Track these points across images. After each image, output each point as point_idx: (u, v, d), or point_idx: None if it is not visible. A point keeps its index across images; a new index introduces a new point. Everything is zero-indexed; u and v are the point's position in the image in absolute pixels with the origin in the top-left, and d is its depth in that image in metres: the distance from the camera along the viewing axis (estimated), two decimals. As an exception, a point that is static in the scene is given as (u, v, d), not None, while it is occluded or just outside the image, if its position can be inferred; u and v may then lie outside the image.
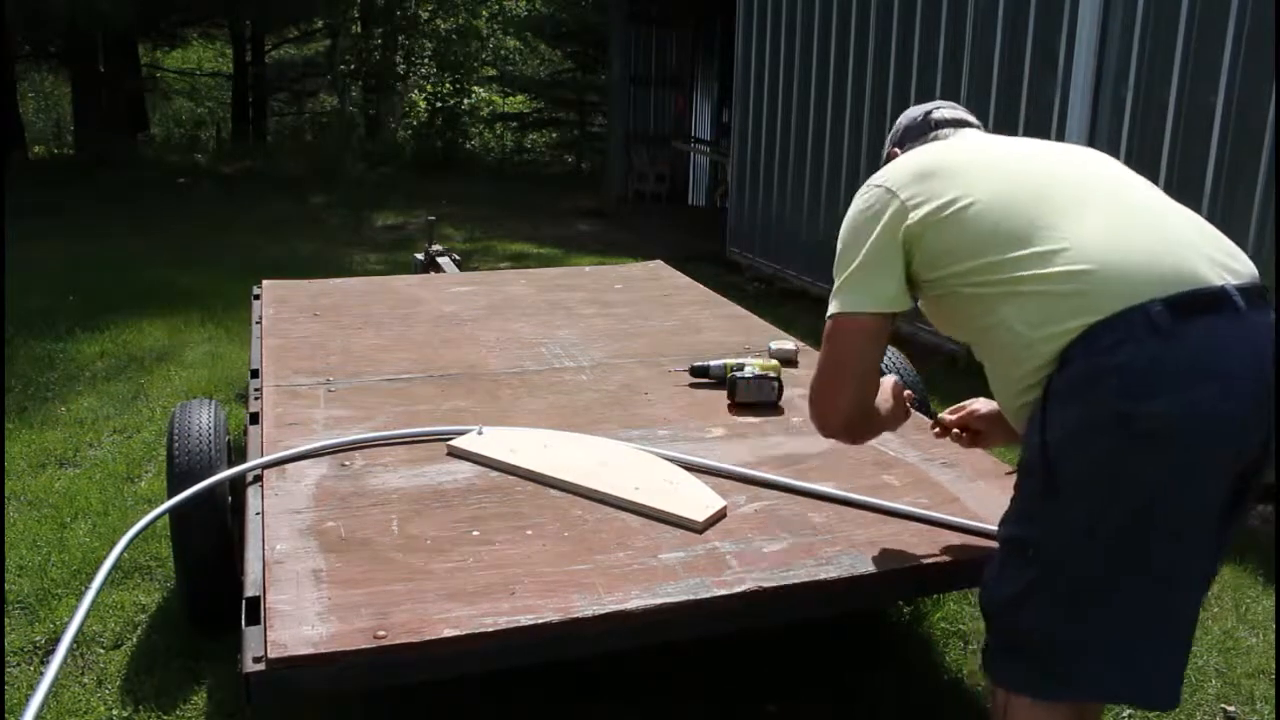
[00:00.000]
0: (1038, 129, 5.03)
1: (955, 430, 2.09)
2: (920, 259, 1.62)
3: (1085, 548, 1.45)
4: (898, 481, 2.25)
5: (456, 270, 5.20)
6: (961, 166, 1.64)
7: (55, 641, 2.66)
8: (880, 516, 2.06)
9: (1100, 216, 1.50)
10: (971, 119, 1.91)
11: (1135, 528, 1.43)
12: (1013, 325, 1.50)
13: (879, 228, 1.64)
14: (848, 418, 1.76)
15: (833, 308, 1.69)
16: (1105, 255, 1.45)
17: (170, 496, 2.33)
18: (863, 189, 1.73)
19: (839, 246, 1.72)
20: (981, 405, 2.05)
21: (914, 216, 1.60)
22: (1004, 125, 5.28)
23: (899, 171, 1.69)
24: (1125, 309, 1.40)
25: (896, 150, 1.89)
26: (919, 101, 6.65)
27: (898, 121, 1.98)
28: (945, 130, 1.87)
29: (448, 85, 16.90)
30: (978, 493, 2.19)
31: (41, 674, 1.63)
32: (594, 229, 11.00)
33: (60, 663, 1.62)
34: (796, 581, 1.82)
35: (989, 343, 1.59)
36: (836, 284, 1.70)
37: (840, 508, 2.11)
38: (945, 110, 1.91)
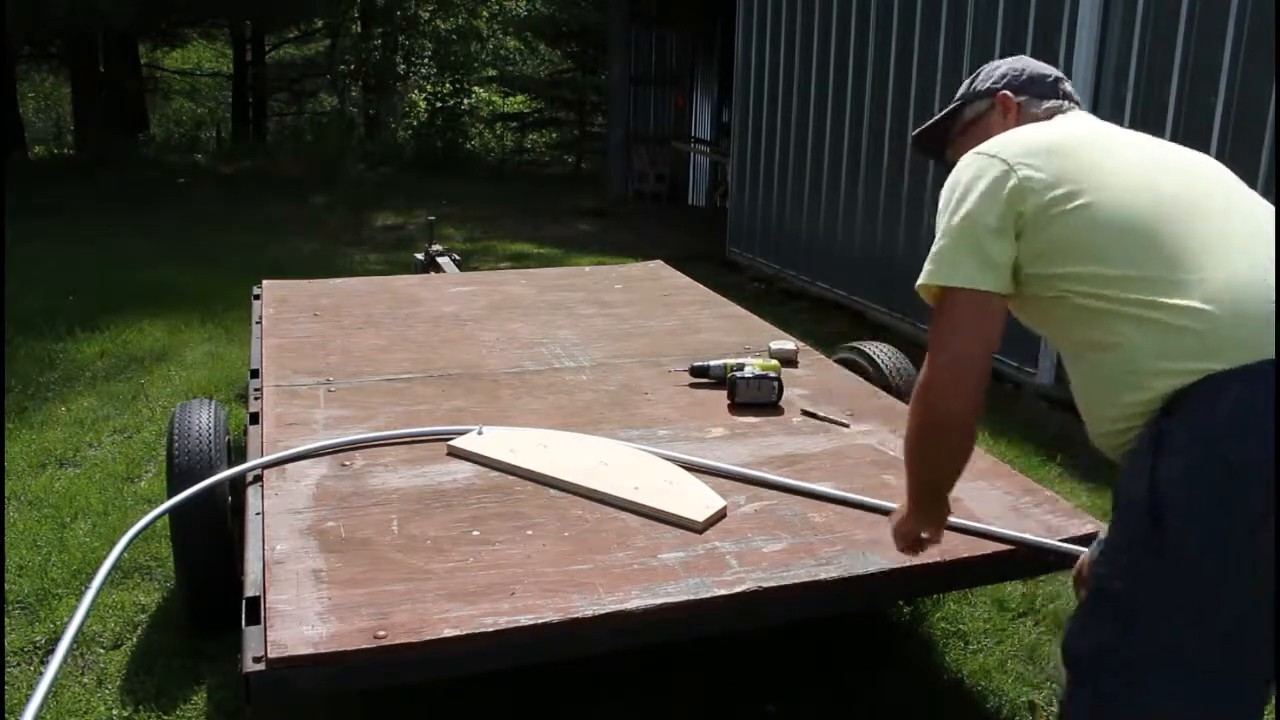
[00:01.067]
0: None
1: None
2: (1030, 247, 1.48)
3: (1189, 622, 1.33)
4: (897, 481, 2.25)
5: (456, 270, 5.20)
6: (1094, 157, 1.50)
7: (55, 641, 2.66)
8: (881, 517, 2.06)
9: (1244, 258, 1.38)
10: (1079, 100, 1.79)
11: (1241, 610, 1.31)
12: (1130, 350, 1.38)
13: (993, 203, 1.48)
14: (970, 391, 1.54)
15: (938, 277, 1.52)
16: (1240, 299, 1.33)
17: (170, 496, 2.33)
18: (973, 157, 1.56)
19: (941, 210, 1.56)
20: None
21: (1033, 200, 1.46)
22: (1004, 125, 5.27)
23: (1019, 145, 1.53)
24: (1255, 362, 1.30)
25: (1009, 95, 1.72)
26: (919, 102, 6.61)
27: (1009, 63, 1.78)
28: (1069, 106, 1.72)
29: (448, 85, 16.89)
30: (977, 493, 2.19)
31: (41, 673, 1.63)
32: (594, 229, 10.99)
33: (60, 662, 1.62)
34: (796, 581, 1.82)
35: (1095, 360, 1.45)
36: (942, 249, 1.52)
37: (841, 506, 2.11)
38: (1069, 85, 1.76)
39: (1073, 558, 1.86)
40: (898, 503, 2.00)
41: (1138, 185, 1.46)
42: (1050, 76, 1.74)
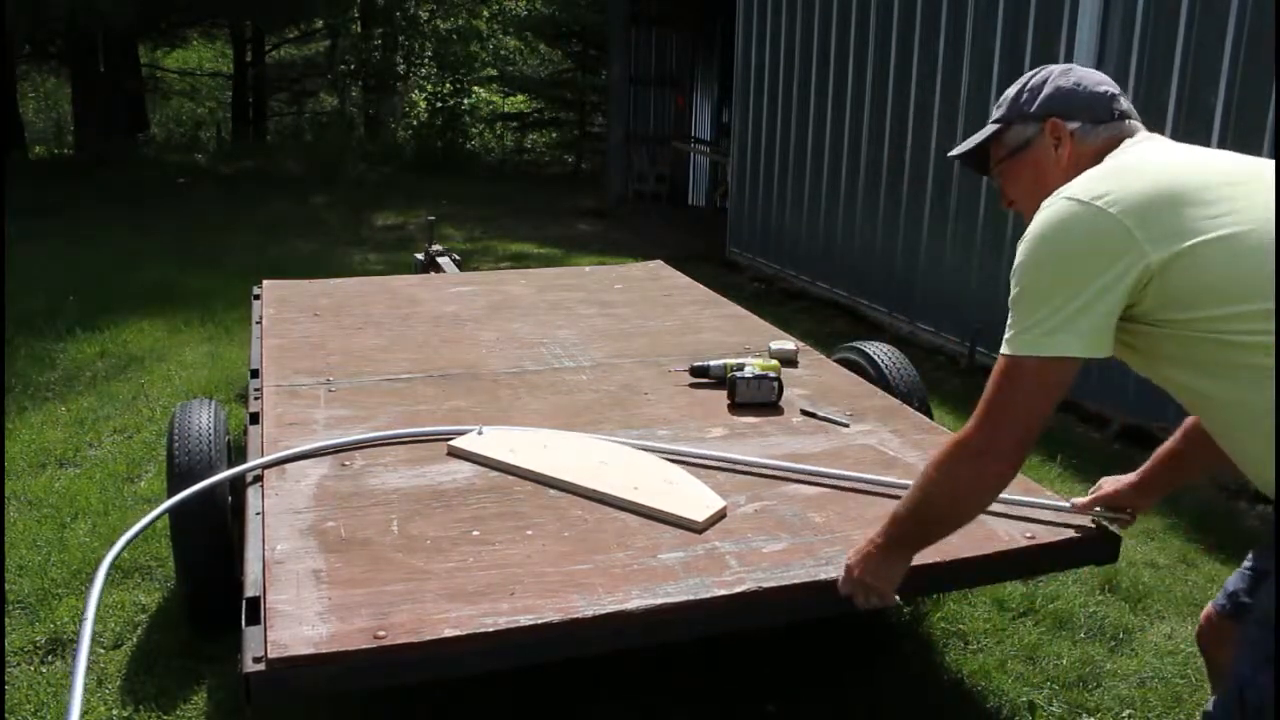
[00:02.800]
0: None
1: (1118, 509, 1.93)
2: (1158, 298, 1.37)
3: None
4: (897, 481, 2.25)
5: (456, 270, 5.20)
6: (1201, 187, 1.38)
7: (55, 641, 2.66)
8: (881, 517, 2.05)
9: None
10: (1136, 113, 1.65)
11: None
12: None
13: (1110, 267, 1.35)
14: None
15: (1032, 348, 1.40)
16: None
17: (170, 496, 2.33)
18: (1077, 207, 1.40)
19: (1038, 270, 1.42)
20: (1111, 483, 1.94)
21: (1156, 255, 1.33)
22: (1004, 125, 5.27)
23: (1125, 194, 1.38)
24: None
25: (1060, 121, 1.58)
26: (919, 102, 6.62)
27: (1056, 77, 1.62)
28: (1134, 125, 1.59)
29: (448, 85, 16.89)
30: (977, 493, 2.19)
31: (72, 674, 1.64)
32: (594, 229, 10.99)
33: (84, 668, 1.63)
34: (796, 581, 1.82)
35: (1251, 398, 1.34)
36: (1038, 319, 1.40)
37: (841, 506, 2.11)
38: (1125, 100, 1.62)
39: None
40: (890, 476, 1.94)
41: (1258, 208, 1.36)
42: (1105, 91, 1.59)
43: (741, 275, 8.10)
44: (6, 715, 2.36)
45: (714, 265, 8.21)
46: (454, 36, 17.77)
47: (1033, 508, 2.10)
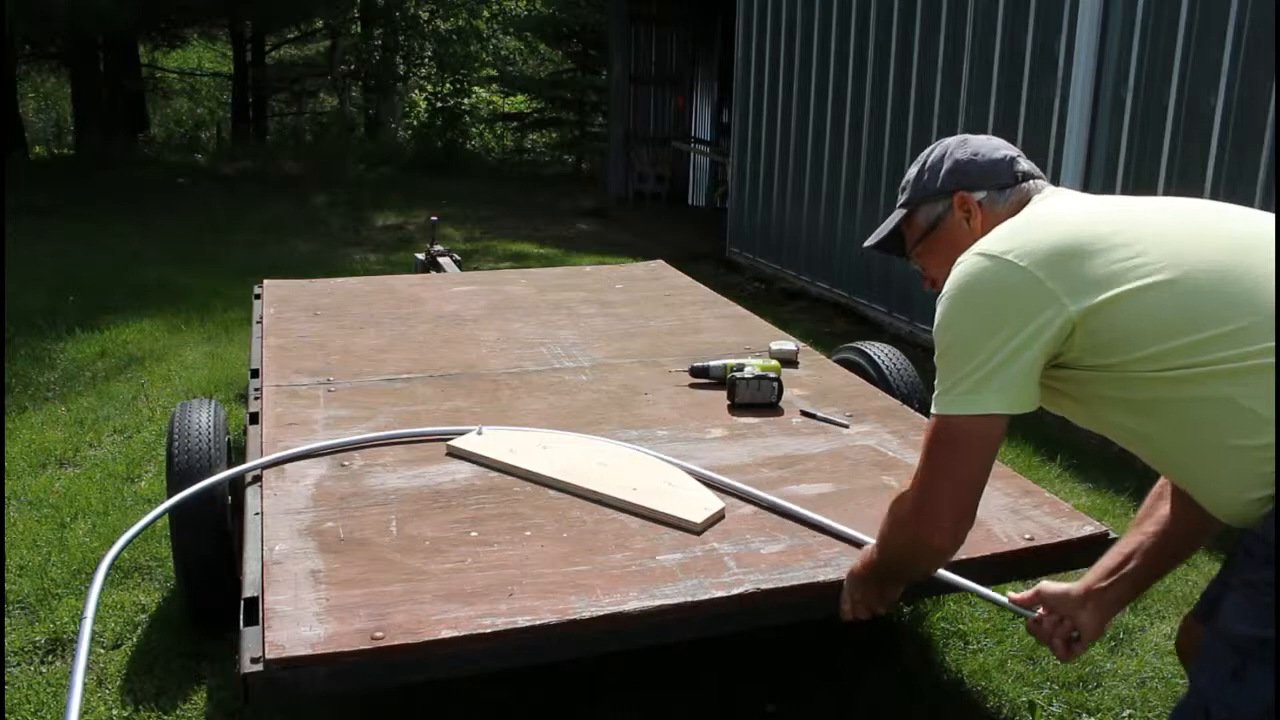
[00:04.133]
0: (1037, 129, 5.03)
1: (1059, 635, 1.70)
2: (1085, 346, 1.37)
3: None
4: (897, 482, 2.25)
5: (457, 270, 5.20)
6: (1112, 236, 1.38)
7: (55, 641, 2.66)
8: (880, 518, 2.05)
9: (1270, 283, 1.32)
10: (1039, 171, 1.66)
11: None
12: (1241, 403, 1.28)
13: (1028, 320, 1.35)
14: (962, 533, 1.48)
15: (957, 406, 1.41)
16: None
17: (170, 496, 2.33)
18: (987, 262, 1.40)
19: (957, 327, 1.42)
20: (1051, 586, 1.74)
21: (1076, 307, 1.34)
22: (1004, 126, 5.28)
23: (1035, 247, 1.39)
24: None
25: (966, 194, 1.59)
26: (918, 101, 6.61)
27: (954, 151, 1.64)
28: (1039, 184, 1.59)
29: (448, 85, 16.90)
30: (977, 493, 2.19)
31: (71, 674, 1.64)
32: (594, 229, 10.99)
33: (84, 664, 1.63)
34: (795, 583, 1.82)
35: (1199, 428, 1.34)
36: (960, 376, 1.40)
37: (840, 508, 2.11)
38: (1024, 160, 1.63)
39: (1016, 613, 1.77)
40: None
41: (1169, 248, 1.35)
42: (1003, 156, 1.60)
43: (741, 275, 8.10)
44: (6, 715, 2.36)
45: (714, 265, 8.22)
46: (454, 36, 17.78)
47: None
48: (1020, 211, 1.54)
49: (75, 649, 1.70)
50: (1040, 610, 1.71)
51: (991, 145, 1.62)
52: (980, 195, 1.58)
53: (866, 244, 1.77)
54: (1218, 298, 1.31)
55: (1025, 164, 1.61)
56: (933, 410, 1.44)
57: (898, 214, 1.69)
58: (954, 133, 5.76)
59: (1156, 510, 1.64)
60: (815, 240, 7.21)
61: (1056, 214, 1.47)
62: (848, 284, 6.83)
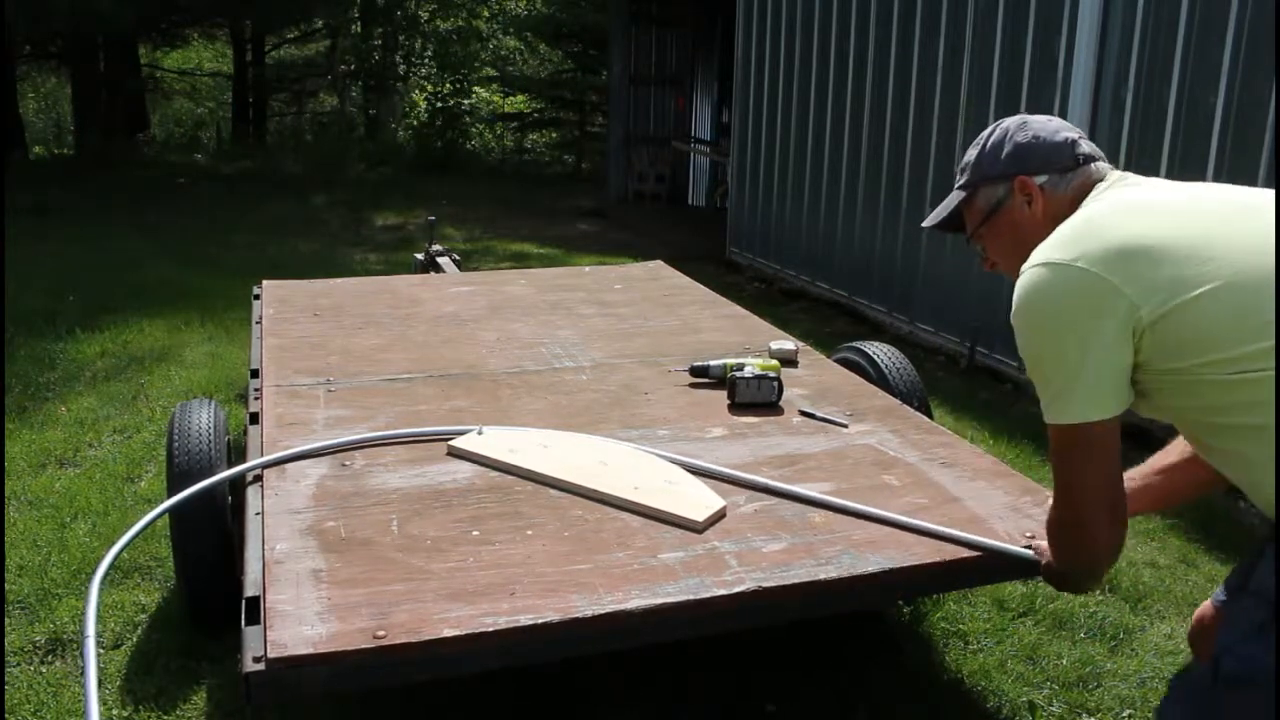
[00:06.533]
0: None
1: None
2: (1153, 350, 1.37)
3: None
4: (897, 481, 2.25)
5: (456, 270, 5.20)
6: (1175, 238, 1.37)
7: (55, 641, 2.66)
8: (879, 515, 2.06)
9: None
10: (1100, 152, 1.64)
11: None
12: None
13: (1104, 323, 1.36)
14: (1119, 520, 1.48)
15: (1062, 416, 1.42)
16: None
17: (170, 496, 2.33)
18: (1053, 272, 1.40)
19: (1037, 340, 1.44)
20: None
21: (1146, 310, 1.34)
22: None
23: (1101, 251, 1.38)
24: None
25: (1027, 179, 1.57)
26: (919, 101, 6.61)
27: (1014, 132, 1.62)
28: (1101, 168, 1.58)
29: (448, 85, 16.89)
30: (977, 492, 2.19)
31: (84, 672, 1.65)
32: (594, 229, 10.99)
33: (95, 662, 1.63)
34: (796, 581, 1.82)
35: (1258, 434, 1.34)
36: (1057, 388, 1.42)
37: (846, 504, 2.11)
38: (1085, 142, 1.60)
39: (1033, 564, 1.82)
40: (893, 510, 1.94)
41: (1236, 248, 1.35)
42: (1065, 139, 1.59)
43: (741, 275, 8.10)
44: (6, 715, 2.36)
45: (714, 265, 8.22)
46: (454, 36, 17.77)
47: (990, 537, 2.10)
48: (1084, 198, 1.53)
49: (84, 667, 1.70)
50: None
51: (1052, 128, 1.60)
52: (1042, 179, 1.57)
53: (926, 223, 1.77)
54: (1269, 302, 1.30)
55: (1086, 146, 1.59)
56: (1046, 419, 1.45)
57: (957, 195, 1.68)
58: (954, 133, 5.82)
59: (1163, 461, 1.72)
60: (815, 240, 7.21)
61: (1121, 212, 1.45)
62: (848, 284, 6.83)
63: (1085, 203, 1.52)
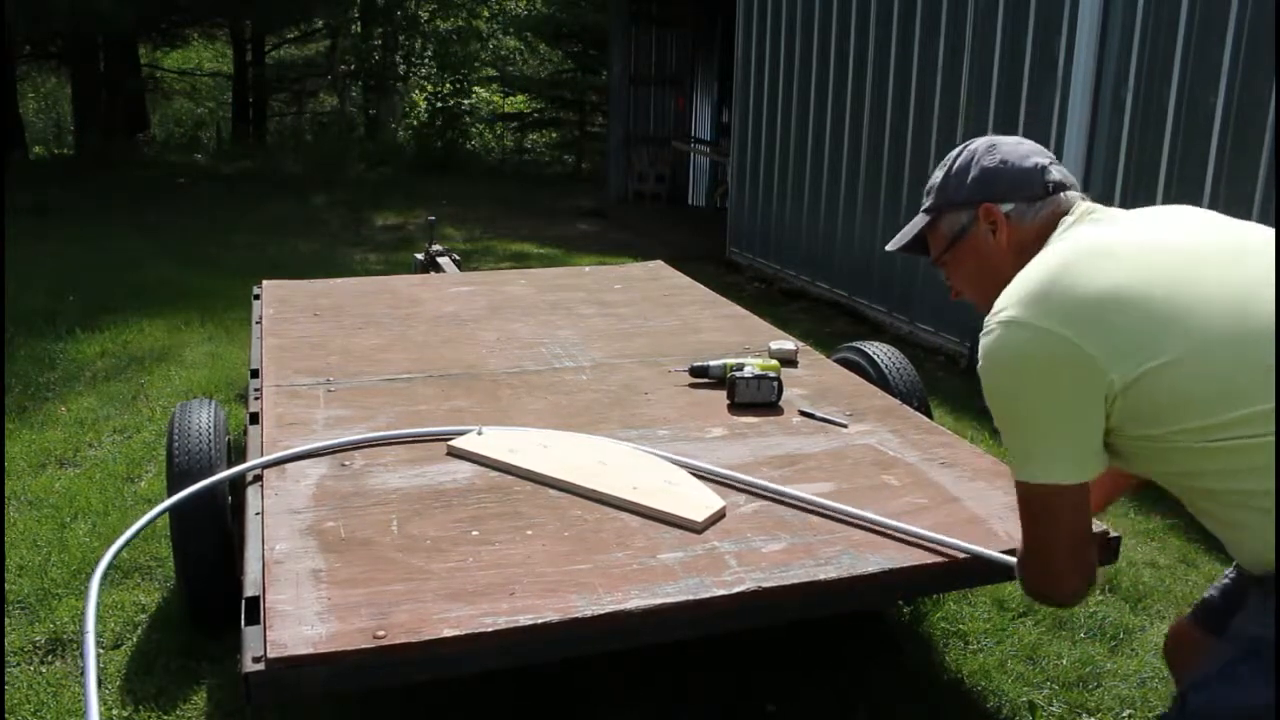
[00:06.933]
0: (1037, 129, 5.03)
1: None
2: (1125, 416, 1.32)
3: None
4: (897, 481, 2.25)
5: (456, 270, 5.20)
6: (1150, 292, 1.30)
7: (55, 641, 2.66)
8: (877, 516, 2.06)
9: None
10: (1075, 180, 1.56)
11: None
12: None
13: (1072, 388, 1.31)
14: (1086, 586, 1.46)
15: (1029, 476, 1.39)
16: None
17: (170, 496, 2.33)
18: (1019, 332, 1.34)
19: (1003, 401, 1.39)
20: None
21: (1117, 376, 1.28)
22: (1004, 126, 5.28)
23: (1068, 306, 1.32)
24: None
25: (992, 206, 1.51)
26: (918, 101, 6.60)
27: (981, 154, 1.55)
28: (1070, 197, 1.51)
29: (448, 85, 16.90)
30: (977, 492, 2.19)
31: (83, 672, 1.66)
32: (594, 229, 10.99)
33: (95, 662, 1.63)
34: (796, 582, 1.82)
35: (1239, 494, 1.32)
36: (1023, 449, 1.39)
37: (839, 507, 2.10)
38: (1057, 168, 1.53)
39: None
40: (891, 516, 1.93)
41: (1214, 306, 1.28)
42: (1034, 165, 1.52)
43: (741, 275, 8.10)
44: (6, 715, 2.36)
45: (714, 265, 8.22)
46: (454, 36, 17.77)
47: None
48: (1053, 228, 1.48)
49: (84, 667, 1.70)
50: None
51: (1021, 151, 1.54)
52: (1008, 207, 1.51)
53: (890, 246, 1.72)
54: (1269, 367, 1.25)
55: (1057, 173, 1.52)
56: (1014, 476, 1.43)
57: (921, 219, 1.63)
58: (954, 133, 5.82)
59: None
60: (815, 240, 7.21)
61: (1088, 257, 1.37)
62: (848, 284, 6.83)
63: (1051, 239, 1.47)
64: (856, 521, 2.03)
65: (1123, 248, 1.38)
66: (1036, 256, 1.43)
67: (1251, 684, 1.27)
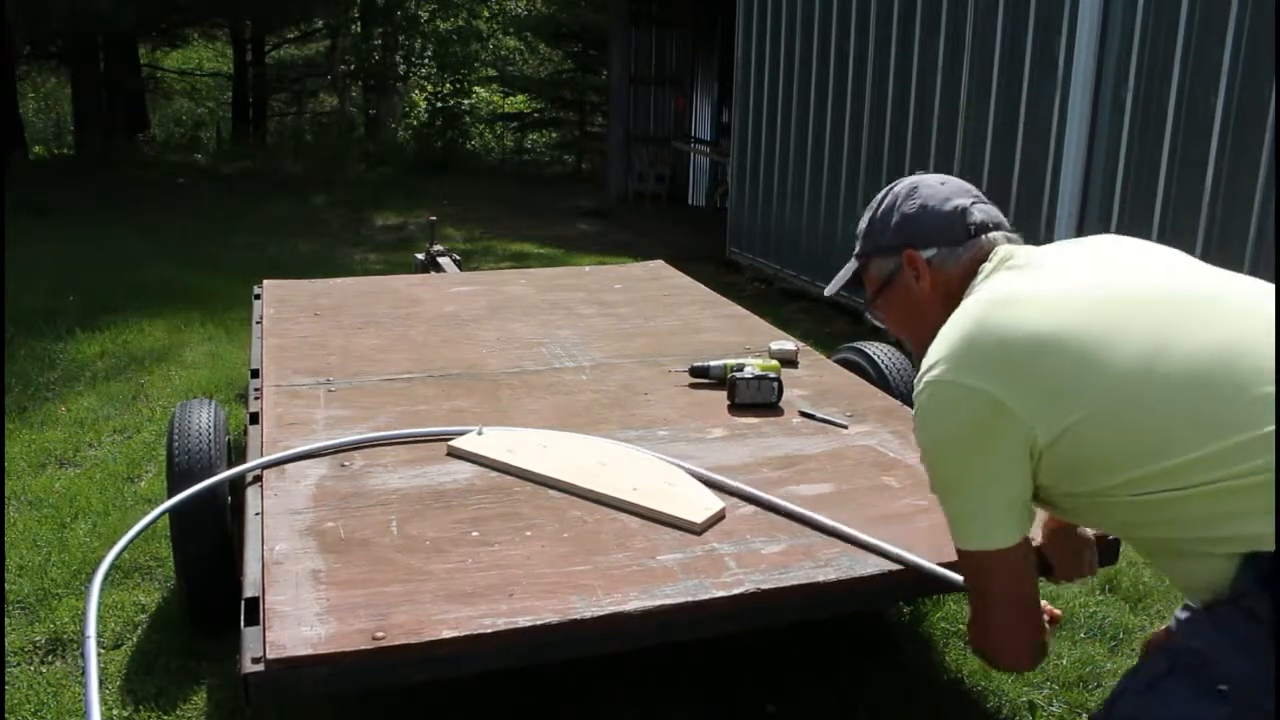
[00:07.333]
0: (1037, 129, 5.03)
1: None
2: (1055, 473, 1.33)
3: None
4: (897, 483, 2.25)
5: (457, 270, 5.20)
6: (1075, 343, 1.28)
7: (55, 641, 2.66)
8: (880, 517, 2.06)
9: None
10: (1003, 218, 1.55)
11: None
12: (1216, 520, 1.24)
13: (997, 442, 1.31)
14: (1039, 649, 1.47)
15: (974, 543, 1.39)
16: None
17: (170, 496, 2.33)
18: (948, 387, 1.34)
19: (934, 463, 1.40)
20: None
21: (1041, 432, 1.29)
22: (1004, 125, 5.28)
23: (989, 362, 1.31)
24: None
25: (914, 253, 1.51)
26: (918, 101, 6.59)
27: (900, 207, 1.54)
28: (992, 239, 1.49)
29: (448, 85, 16.90)
30: (977, 493, 2.19)
31: (84, 671, 1.66)
32: (594, 229, 10.99)
33: (95, 662, 1.63)
34: (795, 583, 1.82)
35: (1175, 542, 1.31)
36: (957, 513, 1.40)
37: (840, 508, 2.11)
38: (980, 208, 1.51)
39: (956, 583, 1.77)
40: (878, 539, 1.90)
41: (1140, 358, 1.26)
42: (955, 208, 1.50)
43: (741, 275, 8.10)
44: (6, 715, 2.36)
45: (714, 265, 8.21)
46: (454, 36, 17.77)
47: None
48: (974, 275, 1.47)
49: (85, 667, 1.70)
50: None
51: (942, 194, 1.52)
52: (930, 253, 1.50)
53: (828, 291, 1.74)
54: (1191, 418, 1.23)
55: (980, 214, 1.51)
56: (954, 543, 1.43)
57: (853, 264, 1.64)
58: (954, 133, 5.81)
59: None
60: (815, 240, 7.21)
61: (1005, 310, 1.35)
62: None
63: (971, 287, 1.46)
64: (834, 532, 2.00)
65: (1038, 297, 1.36)
66: (958, 308, 1.43)
67: (1176, 698, 1.26)
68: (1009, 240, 1.52)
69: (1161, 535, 1.32)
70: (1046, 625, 1.62)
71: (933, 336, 1.41)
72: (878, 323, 1.69)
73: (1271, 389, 1.21)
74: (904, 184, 1.58)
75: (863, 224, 1.61)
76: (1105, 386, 1.26)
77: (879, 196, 1.61)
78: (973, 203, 1.52)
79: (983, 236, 1.49)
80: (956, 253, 1.49)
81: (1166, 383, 1.24)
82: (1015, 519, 1.37)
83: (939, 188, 1.54)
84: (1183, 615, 1.55)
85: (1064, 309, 1.32)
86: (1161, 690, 1.28)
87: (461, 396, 2.80)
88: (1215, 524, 1.24)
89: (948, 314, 1.43)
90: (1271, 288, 1.36)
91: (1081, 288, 1.37)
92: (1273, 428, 1.19)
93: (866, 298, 1.65)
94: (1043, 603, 1.65)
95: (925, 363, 1.40)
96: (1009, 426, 1.30)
